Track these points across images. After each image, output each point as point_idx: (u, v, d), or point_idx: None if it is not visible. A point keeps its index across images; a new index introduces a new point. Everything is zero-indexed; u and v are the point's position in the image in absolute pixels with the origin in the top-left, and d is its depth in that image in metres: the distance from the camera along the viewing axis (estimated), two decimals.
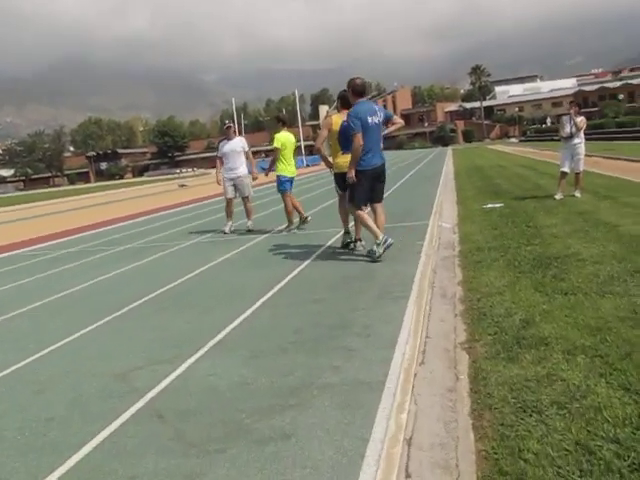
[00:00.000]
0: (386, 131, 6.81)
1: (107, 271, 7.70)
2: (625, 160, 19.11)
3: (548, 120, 77.44)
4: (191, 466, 2.52)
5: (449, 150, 52.00)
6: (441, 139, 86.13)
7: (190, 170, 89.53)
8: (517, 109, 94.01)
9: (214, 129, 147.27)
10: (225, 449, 2.63)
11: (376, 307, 4.65)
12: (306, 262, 6.91)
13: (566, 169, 10.34)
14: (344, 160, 6.84)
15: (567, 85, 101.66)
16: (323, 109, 71.73)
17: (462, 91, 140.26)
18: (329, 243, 8.03)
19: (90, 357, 4.19)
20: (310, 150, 51.47)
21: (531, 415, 2.68)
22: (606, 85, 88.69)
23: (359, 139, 6.25)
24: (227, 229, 10.41)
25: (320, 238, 8.49)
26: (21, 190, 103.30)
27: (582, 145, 10.26)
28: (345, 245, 7.44)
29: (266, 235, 9.64)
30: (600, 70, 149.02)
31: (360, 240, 7.27)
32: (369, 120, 6.32)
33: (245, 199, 10.45)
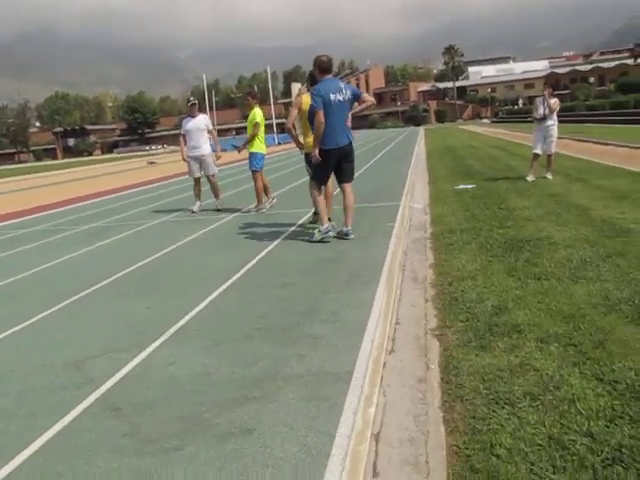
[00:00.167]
0: (356, 109, 6.65)
1: (68, 252, 7.41)
2: (595, 143, 19.25)
3: (520, 101, 77.95)
4: (145, 466, 2.35)
5: (421, 130, 52.03)
6: (413, 119, 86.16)
7: (160, 147, 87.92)
8: (490, 90, 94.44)
9: (185, 106, 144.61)
10: (183, 446, 2.47)
11: (345, 291, 4.52)
12: (275, 242, 6.74)
13: (538, 151, 10.31)
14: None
15: (539, 67, 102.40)
16: (295, 87, 70.75)
17: (435, 71, 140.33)
18: (299, 223, 7.87)
19: (43, 345, 3.97)
20: (282, 128, 50.94)
21: (503, 407, 2.58)
22: (578, 68, 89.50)
23: (320, 116, 6.15)
24: (195, 208, 10.17)
25: (290, 218, 8.32)
26: None
27: (555, 127, 10.23)
28: (314, 222, 7.38)
29: (235, 214, 9.42)
30: (572, 53, 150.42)
31: (330, 220, 7.14)
32: (332, 97, 6.19)
33: (210, 177, 10.22)
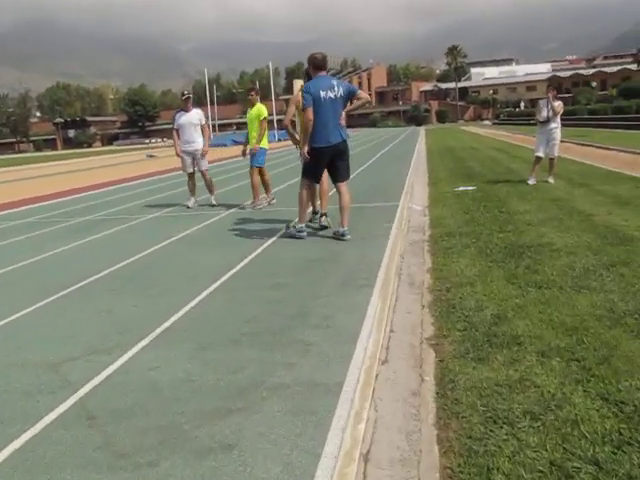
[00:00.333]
0: (351, 107, 6.51)
1: (59, 245, 7.24)
2: (597, 147, 19.09)
3: (522, 104, 77.67)
4: None
5: (422, 130, 51.85)
6: (415, 118, 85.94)
7: (160, 140, 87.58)
8: (492, 91, 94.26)
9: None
10: (158, 461, 2.30)
11: (339, 295, 4.36)
12: (270, 241, 6.57)
13: (541, 154, 10.14)
14: None
15: (542, 70, 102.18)
16: (297, 83, 70.37)
17: (438, 71, 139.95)
18: (295, 221, 7.69)
19: (23, 344, 3.80)
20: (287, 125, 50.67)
21: (502, 427, 2.42)
22: (580, 72, 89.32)
23: (308, 113, 6.07)
24: (190, 204, 10.01)
25: (286, 215, 8.13)
26: None
27: (558, 130, 10.06)
28: (310, 221, 7.34)
29: (231, 211, 9.26)
30: (574, 57, 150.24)
31: (326, 215, 7.12)
32: (322, 94, 6.10)
33: (203, 172, 10.05)
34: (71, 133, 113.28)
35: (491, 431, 2.39)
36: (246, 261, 5.68)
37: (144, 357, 3.40)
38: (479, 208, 7.79)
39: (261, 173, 9.40)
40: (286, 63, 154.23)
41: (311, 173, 6.53)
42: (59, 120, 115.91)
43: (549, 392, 2.64)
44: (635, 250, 4.98)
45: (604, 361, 2.90)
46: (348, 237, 6.28)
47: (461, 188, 10.03)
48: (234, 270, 5.34)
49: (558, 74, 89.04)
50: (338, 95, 6.19)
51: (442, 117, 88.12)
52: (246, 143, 9.77)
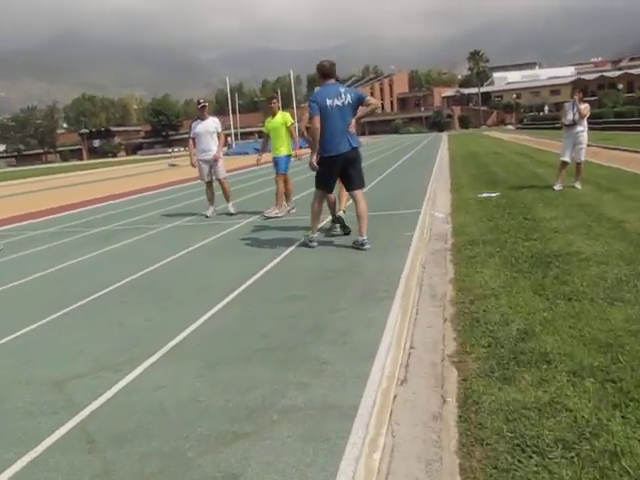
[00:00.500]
0: (361, 114, 6.38)
1: (77, 255, 7.19)
2: (624, 150, 18.61)
3: (546, 108, 76.65)
4: None
5: (445, 136, 51.40)
6: (437, 124, 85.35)
7: (182, 149, 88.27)
8: (515, 96, 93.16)
9: (209, 108, 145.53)
10: None
11: (357, 308, 4.17)
12: (287, 250, 6.43)
13: (567, 158, 9.83)
14: None
15: (566, 73, 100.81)
16: None
17: (460, 76, 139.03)
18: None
19: (31, 360, 3.69)
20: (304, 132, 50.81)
21: (531, 457, 2.21)
22: (605, 74, 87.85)
23: (315, 122, 6.06)
24: (209, 213, 9.92)
25: (306, 223, 7.96)
26: (13, 166, 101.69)
27: (585, 134, 9.74)
28: (330, 229, 7.38)
29: (249, 219, 9.14)
30: (600, 59, 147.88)
31: (344, 211, 7.39)
32: (327, 102, 6.07)
33: (221, 181, 9.97)
34: (96, 143, 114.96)
35: (519, 461, 2.19)
36: (262, 272, 5.53)
37: (152, 375, 3.26)
38: (503, 215, 7.54)
39: (284, 181, 9.29)
40: (308, 71, 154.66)
41: (323, 183, 6.47)
42: (84, 131, 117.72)
43: (583, 417, 2.42)
44: None
45: None
46: (367, 246, 6.10)
47: (485, 194, 9.77)
48: (250, 281, 5.19)
49: (583, 77, 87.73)
50: (346, 102, 6.11)
51: (465, 122, 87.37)
52: (262, 152, 9.70)
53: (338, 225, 7.27)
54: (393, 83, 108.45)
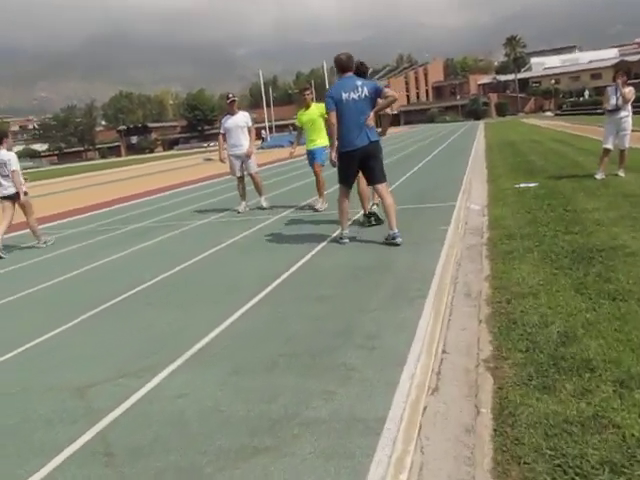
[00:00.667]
0: (379, 106, 6.19)
1: (109, 254, 7.22)
2: None
3: (586, 93, 74.37)
4: None
5: (481, 124, 50.36)
6: (473, 112, 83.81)
7: (217, 144, 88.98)
8: (553, 81, 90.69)
9: (244, 102, 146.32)
10: None
11: (388, 309, 4.01)
12: (319, 247, 6.31)
13: (609, 146, 9.40)
14: None
15: (608, 56, 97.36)
16: None
17: (496, 63, 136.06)
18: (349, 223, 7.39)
19: (53, 365, 3.65)
20: None
21: None
22: None
23: (331, 118, 6.04)
24: (241, 208, 9.87)
25: (337, 219, 7.83)
26: (55, 164, 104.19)
27: (629, 119, 9.29)
28: (363, 224, 7.35)
29: (281, 214, 9.04)
30: None
31: (377, 204, 7.34)
32: (343, 96, 5.98)
33: (253, 175, 9.89)
34: (134, 140, 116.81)
35: None
36: (292, 270, 5.41)
37: (174, 382, 3.16)
38: (542, 206, 7.23)
39: (315, 174, 9.15)
40: None
41: (343, 178, 6.34)
42: (122, 128, 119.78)
43: (633, 436, 2.20)
44: None
45: None
46: (399, 240, 5.92)
47: (522, 185, 9.44)
48: (279, 280, 5.08)
49: (626, 59, 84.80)
50: (362, 95, 5.97)
51: (502, 110, 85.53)
52: (295, 145, 9.56)
53: (372, 218, 7.23)
54: (428, 72, 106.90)
